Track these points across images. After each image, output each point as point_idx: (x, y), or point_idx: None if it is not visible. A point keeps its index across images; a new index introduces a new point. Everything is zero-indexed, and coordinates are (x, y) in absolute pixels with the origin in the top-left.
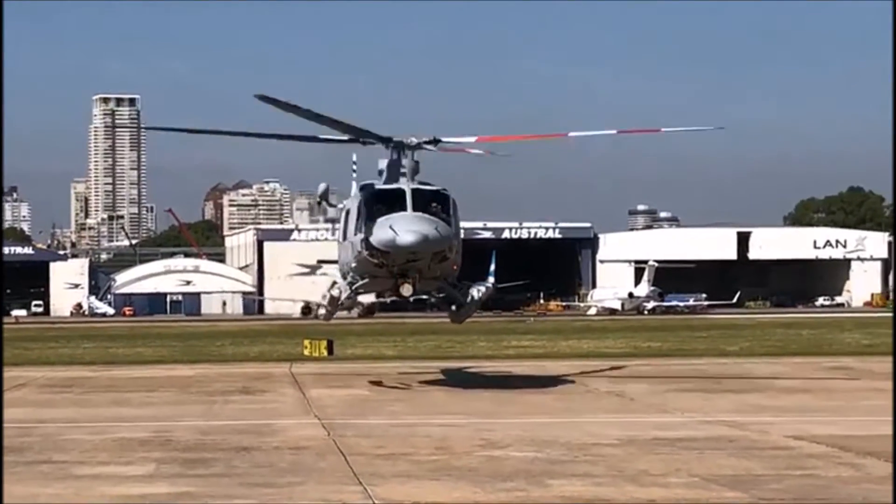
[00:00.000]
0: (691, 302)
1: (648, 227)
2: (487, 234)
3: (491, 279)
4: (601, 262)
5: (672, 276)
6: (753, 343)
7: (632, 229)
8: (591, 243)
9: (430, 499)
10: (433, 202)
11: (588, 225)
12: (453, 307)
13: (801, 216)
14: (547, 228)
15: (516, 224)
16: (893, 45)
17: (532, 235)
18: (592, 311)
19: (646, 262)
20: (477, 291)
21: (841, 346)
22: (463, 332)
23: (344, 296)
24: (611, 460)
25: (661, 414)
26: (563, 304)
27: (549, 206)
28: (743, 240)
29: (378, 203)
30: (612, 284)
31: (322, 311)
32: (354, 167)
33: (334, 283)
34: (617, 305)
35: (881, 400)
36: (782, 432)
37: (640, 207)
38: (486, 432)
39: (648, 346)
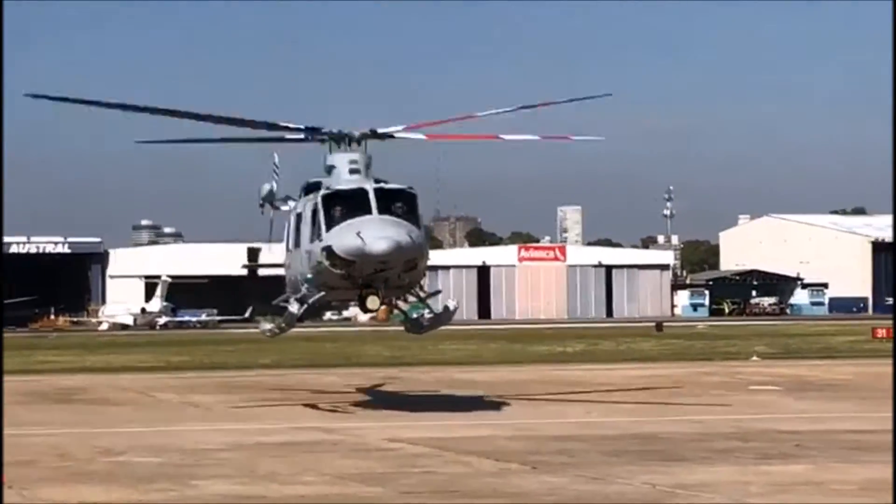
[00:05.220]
0: (203, 317)
1: (154, 242)
2: None
3: None
4: (112, 277)
5: (184, 291)
6: (282, 356)
7: (136, 245)
8: (102, 258)
9: (93, 499)
10: (398, 202)
11: (98, 240)
12: (420, 318)
13: None
14: (56, 243)
15: (24, 238)
16: (894, 46)
17: (41, 250)
18: (104, 326)
19: (158, 277)
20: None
21: (368, 357)
22: None
23: (301, 311)
24: (235, 463)
25: (250, 422)
26: (72, 319)
27: (57, 220)
28: (253, 255)
29: (337, 205)
30: (124, 300)
31: (272, 326)
32: (276, 169)
33: (288, 296)
34: (129, 321)
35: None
36: (377, 436)
37: (144, 223)
38: (93, 441)
39: (180, 360)
